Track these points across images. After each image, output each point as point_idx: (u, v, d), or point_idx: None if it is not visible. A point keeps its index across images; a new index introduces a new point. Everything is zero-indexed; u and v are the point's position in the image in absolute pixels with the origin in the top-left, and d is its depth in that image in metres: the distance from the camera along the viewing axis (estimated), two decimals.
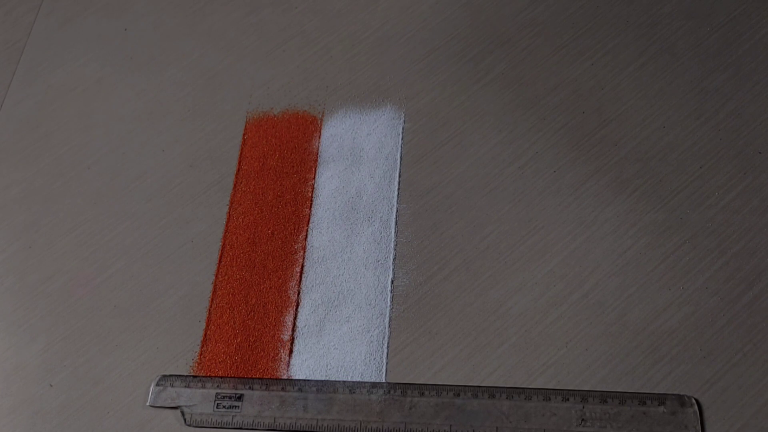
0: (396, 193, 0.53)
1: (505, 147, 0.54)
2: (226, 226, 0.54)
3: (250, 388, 0.47)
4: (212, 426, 0.46)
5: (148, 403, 0.47)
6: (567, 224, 0.50)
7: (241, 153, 0.57)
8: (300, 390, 0.46)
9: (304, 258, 0.51)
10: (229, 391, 0.47)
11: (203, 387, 0.47)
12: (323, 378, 0.47)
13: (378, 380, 0.46)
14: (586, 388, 0.45)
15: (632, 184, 0.51)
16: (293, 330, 0.49)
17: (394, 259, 0.50)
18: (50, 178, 0.58)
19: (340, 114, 0.58)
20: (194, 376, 0.48)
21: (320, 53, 0.61)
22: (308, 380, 0.47)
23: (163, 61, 0.63)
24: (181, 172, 0.57)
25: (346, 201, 0.53)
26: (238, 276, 0.51)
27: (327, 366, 0.47)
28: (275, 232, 0.53)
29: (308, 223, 0.53)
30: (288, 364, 0.48)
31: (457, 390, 0.45)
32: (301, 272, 0.51)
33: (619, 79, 0.55)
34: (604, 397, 0.44)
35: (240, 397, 0.47)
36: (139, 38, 0.65)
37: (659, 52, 0.56)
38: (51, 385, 0.49)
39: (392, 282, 0.50)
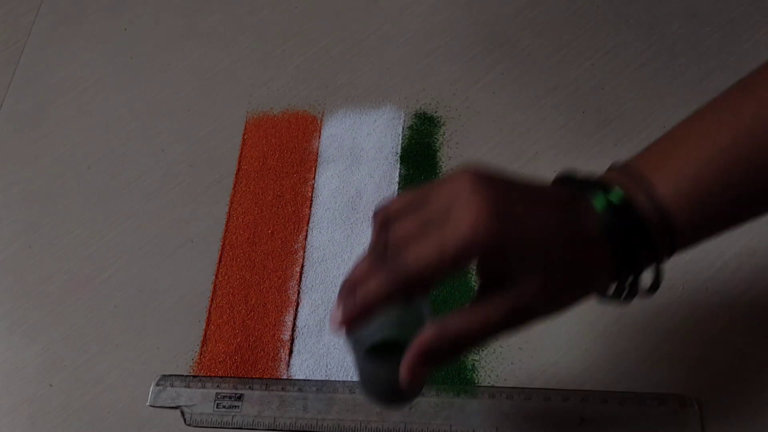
0: (396, 193, 0.53)
1: (505, 147, 0.54)
2: (226, 226, 0.54)
3: (250, 388, 0.47)
4: (212, 426, 0.46)
5: (148, 403, 0.47)
6: None
7: (241, 153, 0.57)
8: (300, 390, 0.46)
9: (304, 258, 0.51)
10: (229, 391, 0.47)
11: (203, 387, 0.47)
12: (323, 378, 0.47)
13: None
14: (586, 388, 0.44)
15: None
16: (293, 330, 0.49)
17: None
18: (50, 178, 0.58)
19: (340, 114, 0.58)
20: (194, 376, 0.48)
21: (320, 53, 0.61)
22: (308, 380, 0.47)
23: (163, 61, 0.63)
24: (181, 172, 0.57)
25: (346, 201, 0.53)
26: (238, 276, 0.51)
27: (327, 366, 0.47)
28: (275, 232, 0.53)
29: (308, 223, 0.53)
30: (288, 364, 0.48)
31: (458, 390, 0.45)
32: (301, 272, 0.51)
33: (619, 79, 0.55)
34: (604, 397, 0.44)
35: (240, 397, 0.47)
36: (139, 38, 0.65)
37: (659, 52, 0.56)
38: (51, 385, 0.49)
39: None
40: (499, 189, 0.31)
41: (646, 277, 0.33)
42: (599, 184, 0.32)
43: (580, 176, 0.33)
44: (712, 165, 0.32)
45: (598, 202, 0.31)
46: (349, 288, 0.32)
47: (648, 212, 0.31)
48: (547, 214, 0.31)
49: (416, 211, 0.32)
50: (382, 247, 0.32)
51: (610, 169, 0.34)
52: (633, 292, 0.33)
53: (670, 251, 0.33)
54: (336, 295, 0.49)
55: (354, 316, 0.31)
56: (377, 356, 0.36)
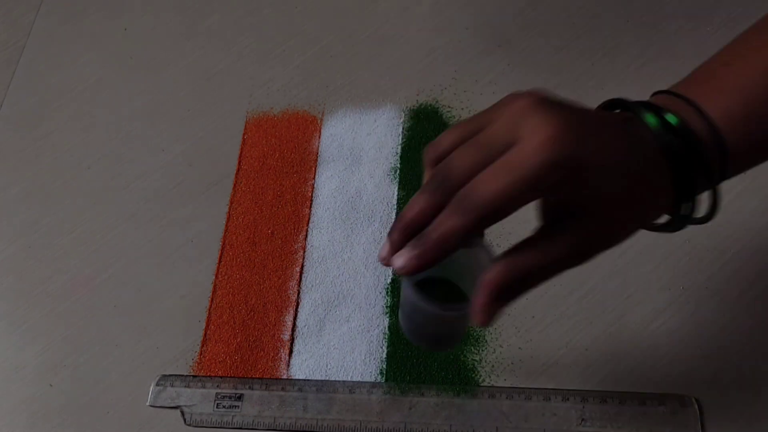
0: (396, 193, 0.53)
1: None
2: (226, 226, 0.54)
3: (250, 388, 0.47)
4: (212, 426, 0.46)
5: (148, 403, 0.47)
6: None
7: (241, 153, 0.57)
8: (300, 390, 0.46)
9: (304, 258, 0.51)
10: (229, 391, 0.47)
11: (203, 387, 0.47)
12: (323, 378, 0.47)
13: (378, 380, 0.46)
14: (586, 388, 0.45)
15: None
16: (293, 330, 0.49)
17: None
18: (50, 178, 0.58)
19: (340, 114, 0.58)
20: (194, 376, 0.48)
21: (320, 53, 0.61)
22: (308, 380, 0.47)
23: (163, 61, 0.63)
24: (181, 172, 0.57)
25: (345, 201, 0.53)
26: (238, 276, 0.51)
27: (327, 366, 0.47)
28: (275, 232, 0.53)
29: (308, 223, 0.53)
30: (288, 364, 0.48)
31: (458, 390, 0.45)
32: (301, 272, 0.51)
33: (620, 79, 0.55)
34: (604, 397, 0.44)
35: (240, 397, 0.47)
36: (139, 38, 0.65)
37: (659, 53, 0.56)
38: (51, 385, 0.49)
39: (392, 282, 0.50)
40: (565, 107, 0.28)
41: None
42: (650, 107, 0.31)
43: (630, 101, 0.32)
44: (762, 85, 0.30)
45: (651, 120, 0.30)
46: (404, 227, 0.30)
47: (702, 133, 0.30)
48: (615, 134, 0.29)
49: (473, 141, 0.29)
50: (438, 184, 0.29)
51: (654, 95, 0.33)
52: (687, 219, 0.32)
53: (723, 174, 0.31)
54: (336, 295, 0.49)
55: (429, 258, 0.29)
56: (434, 300, 0.31)
